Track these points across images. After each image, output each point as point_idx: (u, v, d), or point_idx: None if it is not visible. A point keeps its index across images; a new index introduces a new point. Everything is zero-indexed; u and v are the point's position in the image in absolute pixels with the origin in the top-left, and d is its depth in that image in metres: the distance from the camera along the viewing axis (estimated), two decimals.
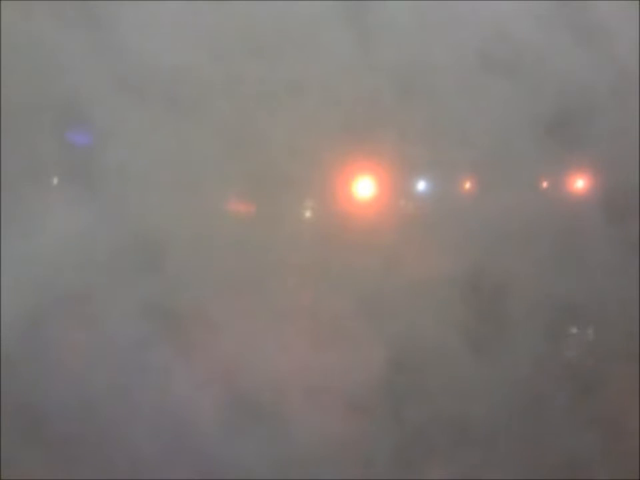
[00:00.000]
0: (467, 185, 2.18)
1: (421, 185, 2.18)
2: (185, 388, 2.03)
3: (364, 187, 2.12)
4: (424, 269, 2.14)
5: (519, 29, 2.18)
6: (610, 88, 2.24)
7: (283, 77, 2.03)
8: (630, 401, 2.29)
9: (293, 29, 2.04)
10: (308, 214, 2.09)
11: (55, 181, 1.97)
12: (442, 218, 2.17)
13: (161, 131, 1.98)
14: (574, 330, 2.28)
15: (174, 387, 2.02)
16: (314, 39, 2.06)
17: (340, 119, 2.06)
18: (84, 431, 1.99)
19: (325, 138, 2.06)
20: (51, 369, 1.98)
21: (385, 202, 2.14)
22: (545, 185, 2.24)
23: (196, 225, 2.02)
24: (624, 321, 2.28)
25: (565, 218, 2.25)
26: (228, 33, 2.01)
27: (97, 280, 1.97)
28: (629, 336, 2.28)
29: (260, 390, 2.06)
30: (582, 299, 2.25)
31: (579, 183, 2.26)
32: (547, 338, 2.24)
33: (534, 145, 2.20)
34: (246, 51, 2.02)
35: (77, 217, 1.97)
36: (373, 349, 2.13)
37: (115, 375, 1.99)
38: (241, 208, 2.05)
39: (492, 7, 2.17)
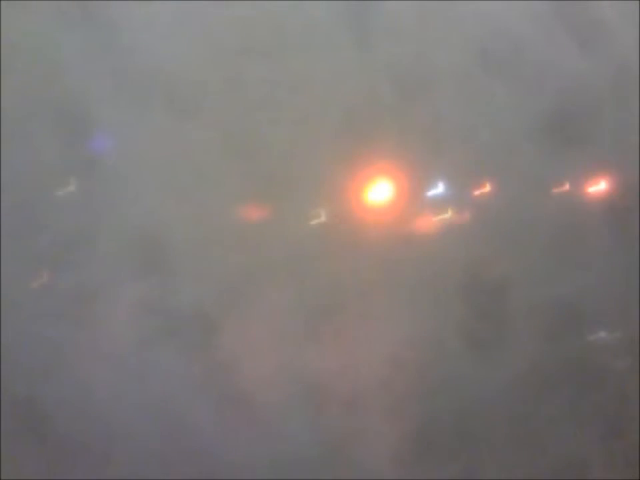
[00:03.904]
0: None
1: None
2: (185, 388, 2.03)
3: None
4: (423, 268, 2.14)
5: (519, 29, 2.19)
6: (610, 88, 2.24)
7: (283, 77, 2.04)
8: (630, 400, 2.29)
9: (292, 29, 2.04)
10: (308, 214, 2.09)
11: (55, 181, 1.97)
12: (442, 217, 2.17)
13: (161, 131, 1.98)
14: (574, 329, 2.29)
15: (174, 386, 2.02)
16: (314, 39, 2.06)
17: (340, 119, 2.06)
18: (84, 430, 2.00)
19: (324, 138, 2.06)
20: (51, 368, 1.98)
21: (385, 202, 2.14)
22: (545, 184, 2.24)
23: (196, 225, 2.02)
24: (624, 321, 2.28)
25: (565, 217, 2.25)
26: (228, 33, 2.01)
27: (97, 280, 1.97)
28: (629, 336, 2.29)
29: (259, 390, 2.06)
30: (582, 299, 2.25)
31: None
32: (547, 337, 2.24)
33: (534, 144, 2.20)
34: (246, 52, 2.02)
35: (77, 216, 1.97)
36: (372, 348, 2.13)
37: (115, 375, 2.00)
38: (241, 208, 2.05)
39: (492, 7, 2.17)
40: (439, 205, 2.18)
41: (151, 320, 1.99)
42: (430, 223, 2.18)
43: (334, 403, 2.11)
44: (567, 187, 2.26)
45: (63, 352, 1.99)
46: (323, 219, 2.08)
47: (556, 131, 2.21)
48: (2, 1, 1.93)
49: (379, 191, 2.14)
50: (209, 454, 2.05)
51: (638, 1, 2.27)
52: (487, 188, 2.18)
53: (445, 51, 2.14)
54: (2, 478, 1.96)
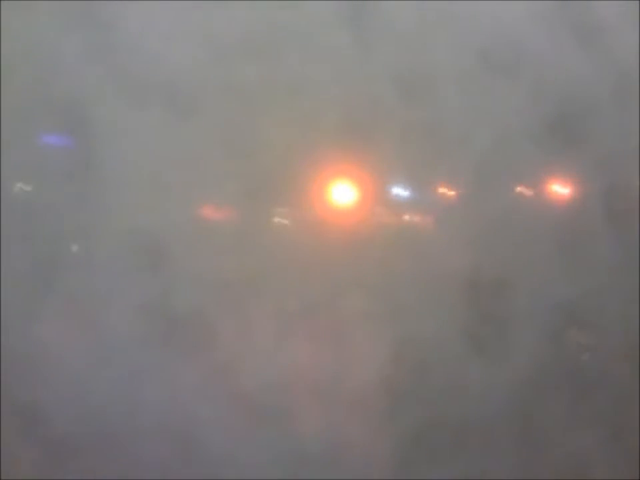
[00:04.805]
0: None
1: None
2: (185, 388, 2.03)
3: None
4: (424, 269, 2.14)
5: (519, 30, 2.18)
6: (610, 88, 2.24)
7: (283, 78, 2.03)
8: (630, 401, 2.29)
9: (292, 29, 2.04)
10: (311, 213, 2.09)
11: (55, 181, 1.97)
12: (442, 217, 2.17)
13: (161, 131, 1.98)
14: (574, 330, 2.28)
15: (174, 387, 2.02)
16: (314, 40, 2.06)
17: (340, 120, 2.06)
18: (84, 430, 1.99)
19: (325, 139, 2.06)
20: (51, 368, 1.98)
21: (387, 201, 2.14)
22: (544, 184, 2.24)
23: (196, 225, 2.02)
24: (624, 321, 2.28)
25: (564, 218, 2.25)
26: (228, 33, 2.01)
27: (97, 280, 1.97)
28: (629, 336, 2.28)
29: (259, 390, 2.06)
30: (582, 299, 2.25)
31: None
32: (547, 338, 2.24)
33: (534, 145, 2.20)
34: (246, 52, 2.02)
35: (77, 216, 1.97)
36: (372, 349, 2.13)
37: (115, 375, 1.99)
38: (240, 209, 2.05)
39: (492, 8, 2.17)
40: (439, 205, 2.18)
41: (150, 321, 1.99)
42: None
43: (334, 403, 2.11)
44: (566, 187, 2.26)
45: (62, 353, 1.98)
46: (326, 218, 2.08)
47: (556, 131, 2.21)
48: (2, 1, 1.93)
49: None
50: (209, 454, 2.05)
51: (638, 1, 2.27)
52: (487, 188, 2.18)
53: (445, 52, 2.14)
54: (2, 478, 1.96)
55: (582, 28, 2.23)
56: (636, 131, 2.25)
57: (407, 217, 2.17)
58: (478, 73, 2.15)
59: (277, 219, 2.08)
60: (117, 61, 1.96)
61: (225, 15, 2.01)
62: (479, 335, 2.16)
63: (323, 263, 2.07)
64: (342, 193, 2.10)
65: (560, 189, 2.25)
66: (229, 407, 2.05)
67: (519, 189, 2.22)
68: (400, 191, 2.16)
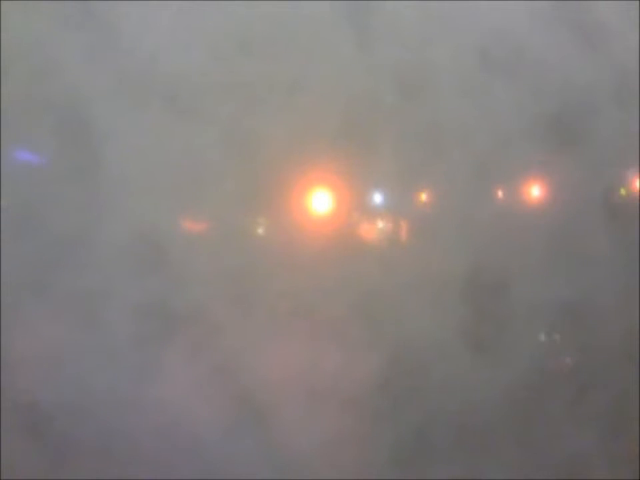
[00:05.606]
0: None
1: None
2: (185, 388, 2.03)
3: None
4: (423, 269, 2.14)
5: (519, 29, 2.19)
6: (610, 88, 2.24)
7: (283, 77, 2.04)
8: (630, 401, 2.29)
9: (292, 29, 2.04)
10: (311, 214, 2.09)
11: (55, 180, 1.97)
12: (442, 217, 2.17)
13: (161, 131, 1.98)
14: (574, 329, 2.29)
15: (173, 387, 2.03)
16: (314, 39, 2.06)
17: (340, 119, 2.06)
18: (84, 430, 2.00)
19: (324, 139, 2.06)
20: (51, 368, 1.98)
21: (386, 200, 2.14)
22: (544, 185, 2.24)
23: (195, 226, 2.02)
24: (624, 321, 2.28)
25: (564, 217, 2.25)
26: (228, 33, 2.01)
27: (96, 280, 1.97)
28: (628, 336, 2.29)
29: (259, 390, 2.06)
30: (582, 299, 2.25)
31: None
32: (546, 338, 2.24)
33: (534, 145, 2.20)
34: (246, 52, 2.02)
35: (77, 216, 1.97)
36: (371, 349, 2.13)
37: (115, 375, 2.00)
38: (240, 207, 2.05)
39: (492, 7, 2.17)
40: (439, 205, 2.18)
41: (149, 321, 1.99)
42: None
43: (334, 403, 2.11)
44: (566, 187, 2.26)
45: (63, 352, 1.99)
46: (326, 217, 2.08)
47: (556, 131, 2.21)
48: (2, 1, 1.93)
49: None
50: (209, 455, 2.06)
51: (638, 1, 2.27)
52: (487, 188, 2.18)
53: (445, 51, 2.14)
54: (2, 478, 1.96)
55: (582, 28, 2.23)
56: (636, 131, 2.25)
57: (406, 217, 2.17)
58: (478, 72, 2.16)
59: (276, 220, 2.08)
60: (117, 61, 1.96)
61: (225, 15, 2.01)
62: (478, 335, 2.17)
63: (322, 263, 2.08)
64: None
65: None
66: (228, 406, 2.05)
67: (518, 189, 2.23)
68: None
